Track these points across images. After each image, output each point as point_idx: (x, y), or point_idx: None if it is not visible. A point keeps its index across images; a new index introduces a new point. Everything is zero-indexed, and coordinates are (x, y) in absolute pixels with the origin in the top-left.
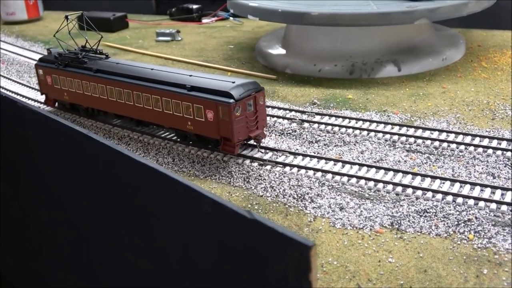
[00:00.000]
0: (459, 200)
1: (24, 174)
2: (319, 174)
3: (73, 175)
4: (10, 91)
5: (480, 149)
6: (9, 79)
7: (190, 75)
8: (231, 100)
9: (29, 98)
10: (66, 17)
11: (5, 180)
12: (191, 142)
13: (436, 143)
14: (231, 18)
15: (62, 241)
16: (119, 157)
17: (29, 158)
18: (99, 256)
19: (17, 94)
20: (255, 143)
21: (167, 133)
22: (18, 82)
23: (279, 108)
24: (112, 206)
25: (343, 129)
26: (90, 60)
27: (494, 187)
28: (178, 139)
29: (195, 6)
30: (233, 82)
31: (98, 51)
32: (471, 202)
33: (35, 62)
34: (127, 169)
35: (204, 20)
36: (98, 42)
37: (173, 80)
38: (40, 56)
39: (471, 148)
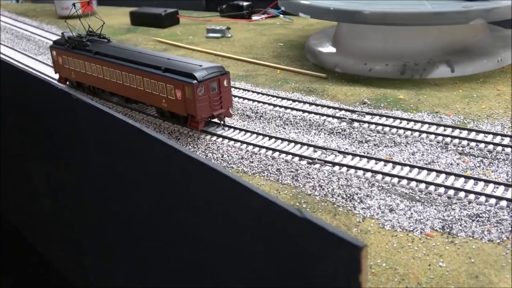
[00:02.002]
0: None
1: (76, 167)
2: (368, 174)
3: (124, 168)
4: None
5: None
6: None
7: (168, 59)
8: (194, 81)
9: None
10: (74, 5)
11: (56, 172)
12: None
13: (490, 147)
14: (281, 15)
15: (112, 236)
16: (170, 151)
17: (81, 151)
18: (147, 251)
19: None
20: (218, 121)
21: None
22: None
23: (329, 107)
24: (161, 201)
25: (394, 130)
26: (92, 43)
27: None
28: (157, 115)
29: (245, 3)
30: (200, 66)
31: (101, 36)
32: None
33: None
34: (178, 164)
35: (254, 17)
36: (101, 27)
37: (153, 62)
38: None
39: None
